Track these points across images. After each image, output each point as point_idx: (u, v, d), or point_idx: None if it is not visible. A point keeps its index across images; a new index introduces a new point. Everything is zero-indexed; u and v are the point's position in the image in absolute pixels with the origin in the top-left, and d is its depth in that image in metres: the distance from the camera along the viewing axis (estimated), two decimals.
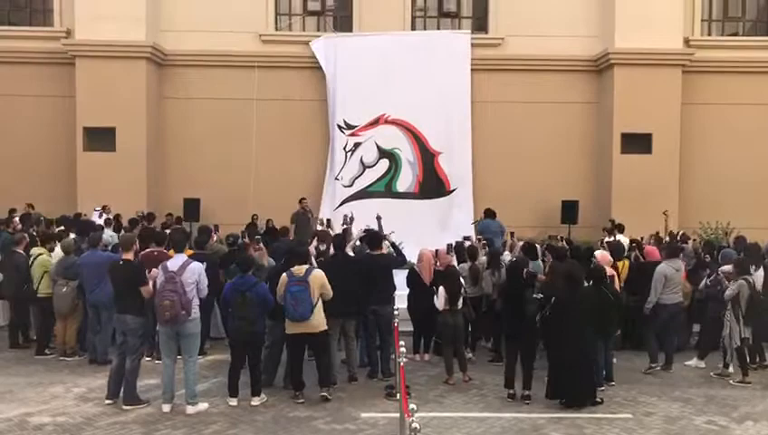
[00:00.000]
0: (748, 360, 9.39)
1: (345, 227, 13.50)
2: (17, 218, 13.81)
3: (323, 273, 8.14)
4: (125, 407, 7.85)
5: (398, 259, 9.56)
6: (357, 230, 12.10)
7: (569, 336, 7.97)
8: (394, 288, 9.45)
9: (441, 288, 9.08)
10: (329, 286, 8.08)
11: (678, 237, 13.48)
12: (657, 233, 14.02)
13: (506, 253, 11.74)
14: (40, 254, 10.23)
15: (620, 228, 14.01)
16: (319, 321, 8.02)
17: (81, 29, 17.25)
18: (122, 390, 7.95)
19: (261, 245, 10.66)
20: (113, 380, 8.02)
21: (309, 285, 7.89)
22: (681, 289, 9.84)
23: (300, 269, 8.04)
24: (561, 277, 8.43)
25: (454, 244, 11.42)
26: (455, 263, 10.11)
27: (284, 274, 8.04)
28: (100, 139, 17.17)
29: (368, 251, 9.47)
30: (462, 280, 9.42)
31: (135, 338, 7.96)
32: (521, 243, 11.33)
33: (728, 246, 12.79)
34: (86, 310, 10.02)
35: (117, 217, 14.71)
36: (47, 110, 17.69)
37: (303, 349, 8.28)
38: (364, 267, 9.13)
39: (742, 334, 9.21)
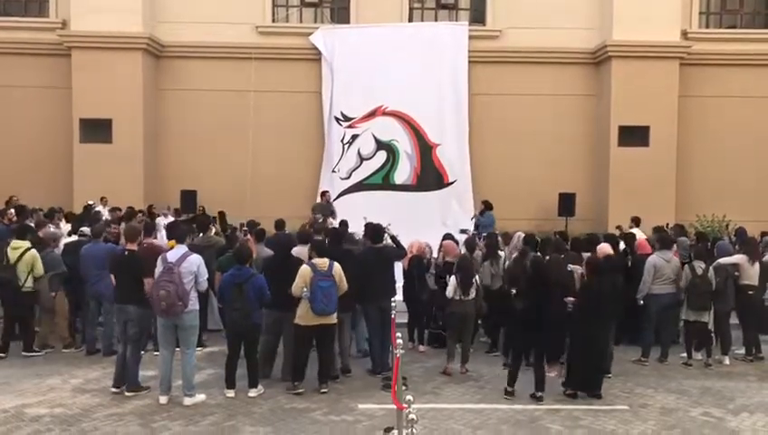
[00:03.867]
0: (709, 342, 9.77)
1: (341, 220, 13.52)
2: (13, 210, 13.76)
3: (340, 267, 8.18)
4: (128, 393, 7.94)
5: (399, 251, 9.57)
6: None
7: (596, 326, 8.08)
8: (395, 281, 9.47)
9: (453, 277, 9.09)
10: (345, 282, 8.14)
11: (671, 230, 13.44)
12: (667, 224, 13.95)
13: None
14: (29, 249, 9.56)
15: (636, 221, 13.94)
16: (335, 314, 8.11)
17: (76, 20, 17.19)
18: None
19: (249, 236, 10.65)
20: (119, 368, 8.12)
21: (335, 279, 7.96)
22: (675, 281, 9.82)
23: (323, 263, 8.03)
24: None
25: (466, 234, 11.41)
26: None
27: (306, 266, 8.00)
28: (97, 130, 17.12)
29: (370, 244, 9.46)
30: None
31: (136, 327, 8.03)
32: (518, 234, 11.27)
33: (729, 238, 12.79)
34: (78, 302, 10.03)
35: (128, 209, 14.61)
36: (43, 101, 17.63)
37: (312, 340, 8.27)
38: (365, 260, 9.13)
39: (684, 317, 9.76)
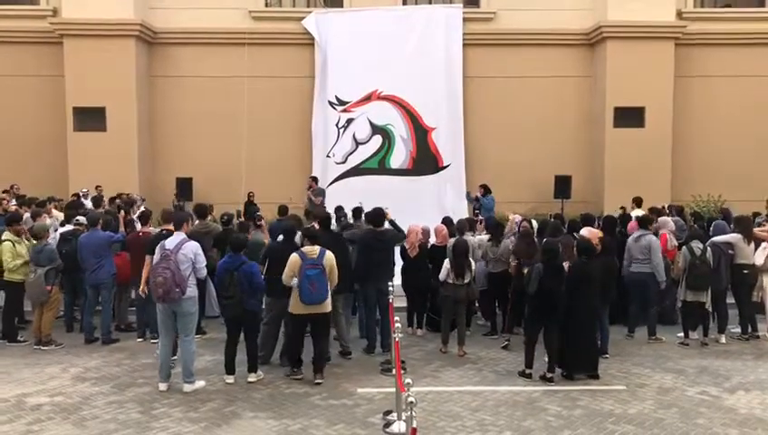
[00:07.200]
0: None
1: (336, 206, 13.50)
2: (14, 200, 13.72)
3: (333, 254, 8.02)
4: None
5: (399, 235, 9.58)
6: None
7: (584, 308, 8.05)
8: (394, 264, 9.49)
9: (447, 260, 9.12)
10: (336, 271, 8.00)
11: (668, 210, 13.47)
12: (663, 206, 13.95)
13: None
14: (6, 240, 9.67)
15: (638, 202, 13.98)
16: (328, 302, 7.97)
17: (68, 7, 17.03)
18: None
19: (262, 221, 10.65)
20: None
21: (324, 267, 7.80)
22: (649, 259, 9.78)
23: (313, 250, 7.90)
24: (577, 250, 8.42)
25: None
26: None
27: (296, 254, 7.88)
28: (91, 118, 17.02)
29: (370, 228, 9.45)
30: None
31: None
32: (514, 217, 11.27)
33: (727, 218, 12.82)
34: (73, 294, 10.05)
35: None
36: (36, 90, 17.50)
37: (306, 328, 8.22)
38: (365, 243, 9.12)
39: (683, 297, 9.76)
